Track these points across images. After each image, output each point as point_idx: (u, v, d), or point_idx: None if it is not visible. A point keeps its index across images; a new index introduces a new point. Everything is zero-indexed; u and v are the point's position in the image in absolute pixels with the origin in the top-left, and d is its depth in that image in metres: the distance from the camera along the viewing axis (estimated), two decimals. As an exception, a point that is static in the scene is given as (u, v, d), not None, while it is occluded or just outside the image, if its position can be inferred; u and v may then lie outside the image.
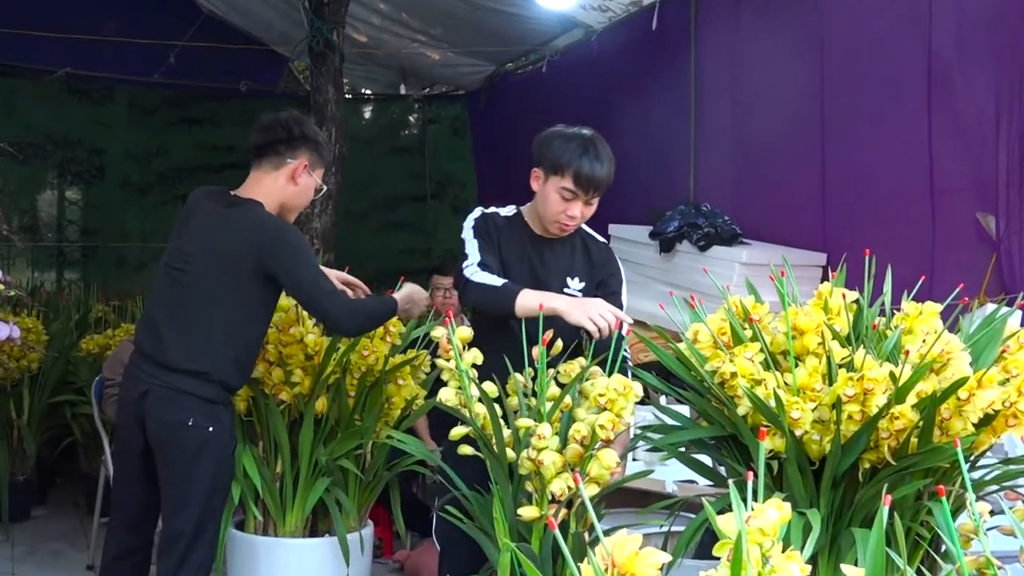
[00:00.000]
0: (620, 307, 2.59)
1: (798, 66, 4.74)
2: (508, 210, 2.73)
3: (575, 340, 2.43)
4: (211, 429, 2.67)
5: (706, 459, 2.38)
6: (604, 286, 2.65)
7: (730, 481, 1.35)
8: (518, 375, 2.34)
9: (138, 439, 2.72)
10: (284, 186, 2.81)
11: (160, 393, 2.67)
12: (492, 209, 2.72)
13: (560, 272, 2.64)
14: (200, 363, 2.66)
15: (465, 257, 2.59)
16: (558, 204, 2.57)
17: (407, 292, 2.93)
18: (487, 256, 2.59)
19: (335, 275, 2.96)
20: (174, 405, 2.65)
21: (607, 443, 2.17)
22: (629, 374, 2.41)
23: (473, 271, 2.54)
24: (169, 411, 2.66)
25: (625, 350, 2.56)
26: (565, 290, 2.60)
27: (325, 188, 2.98)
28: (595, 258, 2.70)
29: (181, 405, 2.65)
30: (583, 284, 2.64)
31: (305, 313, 2.96)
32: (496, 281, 2.51)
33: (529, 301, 2.41)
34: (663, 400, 3.16)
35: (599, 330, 2.35)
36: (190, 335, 2.68)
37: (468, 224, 2.66)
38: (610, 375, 2.21)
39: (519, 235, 2.67)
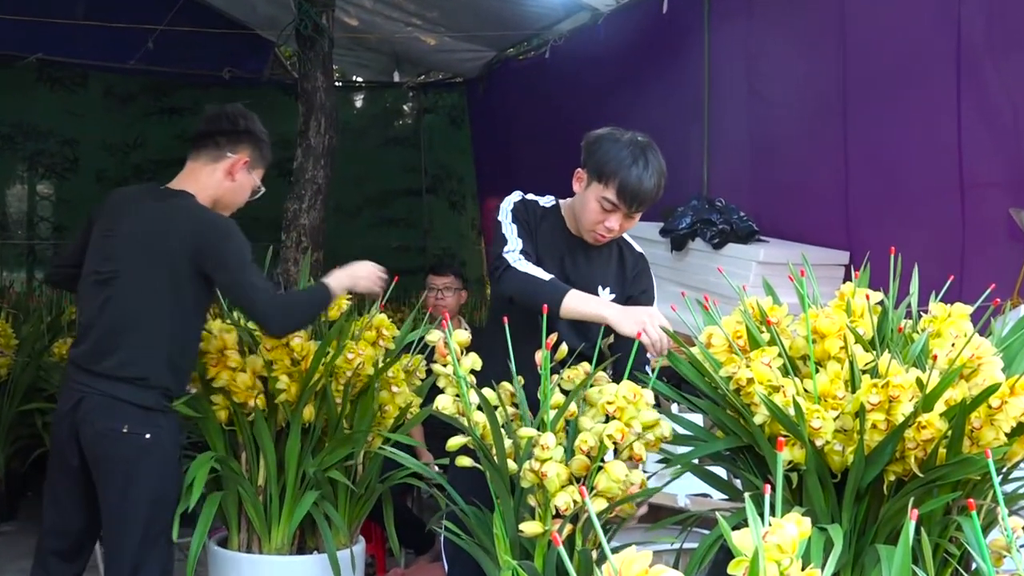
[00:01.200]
0: None
1: (819, 52, 4.74)
2: (547, 200, 2.71)
3: (581, 344, 2.43)
4: (148, 436, 2.67)
5: (721, 471, 2.38)
6: (635, 303, 2.61)
7: (746, 495, 1.35)
8: (506, 384, 2.33)
9: (74, 454, 2.73)
10: (220, 180, 2.81)
11: (95, 400, 2.68)
12: (531, 196, 2.69)
13: (592, 280, 2.63)
14: (136, 370, 2.68)
15: (504, 240, 2.56)
16: (596, 213, 2.55)
17: (346, 268, 2.92)
18: (528, 244, 2.56)
19: (371, 269, 2.96)
20: (109, 412, 2.66)
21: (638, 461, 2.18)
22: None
23: (516, 258, 2.52)
24: (103, 418, 2.67)
25: (647, 364, 2.55)
26: None
27: (263, 190, 2.94)
28: (629, 271, 2.69)
29: (116, 412, 2.66)
30: (613, 296, 2.63)
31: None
32: (543, 275, 2.48)
33: (577, 304, 2.40)
34: (675, 408, 3.16)
35: (652, 344, 2.32)
36: (126, 341, 2.69)
37: (506, 207, 2.64)
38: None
39: (555, 231, 2.66)
